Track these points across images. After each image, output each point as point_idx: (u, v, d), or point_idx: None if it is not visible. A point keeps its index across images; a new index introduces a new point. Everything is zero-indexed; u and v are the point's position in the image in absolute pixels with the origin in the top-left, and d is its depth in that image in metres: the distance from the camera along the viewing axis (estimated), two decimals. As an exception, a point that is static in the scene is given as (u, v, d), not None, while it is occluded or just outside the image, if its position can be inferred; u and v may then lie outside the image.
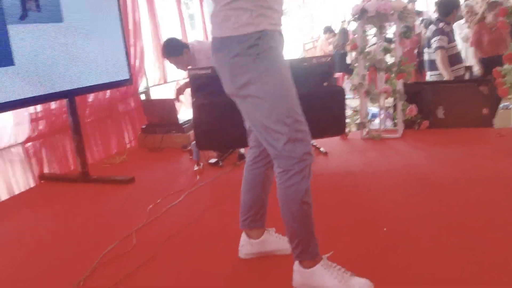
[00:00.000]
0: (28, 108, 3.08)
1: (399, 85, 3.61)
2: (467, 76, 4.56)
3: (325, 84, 3.18)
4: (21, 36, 2.55)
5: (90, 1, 3.05)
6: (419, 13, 11.76)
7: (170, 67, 5.01)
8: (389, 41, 5.12)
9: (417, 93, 3.82)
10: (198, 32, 5.66)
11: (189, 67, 3.64)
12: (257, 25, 1.45)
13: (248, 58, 1.46)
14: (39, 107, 3.24)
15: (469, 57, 5.13)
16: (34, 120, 3.21)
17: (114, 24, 3.30)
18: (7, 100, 2.52)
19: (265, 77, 1.46)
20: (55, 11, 2.75)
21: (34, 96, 2.69)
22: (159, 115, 4.15)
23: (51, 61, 2.77)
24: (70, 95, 3.02)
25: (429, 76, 4.29)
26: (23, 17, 2.55)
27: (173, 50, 3.52)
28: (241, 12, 1.45)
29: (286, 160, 1.49)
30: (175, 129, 4.07)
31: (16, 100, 2.58)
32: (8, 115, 2.97)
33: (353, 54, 3.74)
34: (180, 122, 4.12)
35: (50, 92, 2.80)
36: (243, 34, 1.45)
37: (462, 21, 5.30)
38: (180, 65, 3.61)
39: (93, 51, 3.11)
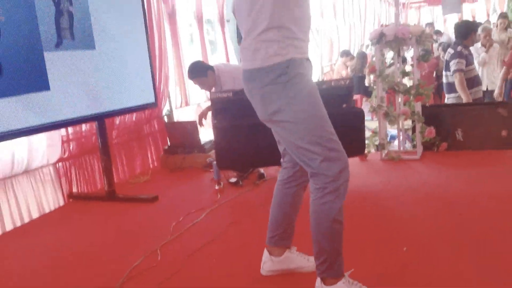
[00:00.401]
0: (60, 130, 3.23)
1: (418, 107, 3.66)
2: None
3: (344, 106, 3.27)
4: (56, 62, 2.72)
5: (121, 30, 3.22)
6: (438, 33, 11.85)
7: (192, 90, 5.20)
8: (405, 60, 5.19)
9: (435, 115, 3.86)
10: (219, 56, 5.82)
11: (213, 88, 3.80)
12: (285, 54, 1.56)
13: (278, 86, 1.57)
14: (70, 129, 3.40)
15: (485, 80, 5.17)
16: (65, 141, 3.36)
17: (142, 51, 3.47)
18: (42, 123, 2.66)
19: (295, 102, 1.57)
20: (88, 39, 2.93)
21: (66, 120, 2.84)
22: (182, 136, 4.28)
23: (84, 85, 2.93)
24: (99, 118, 3.17)
25: (448, 98, 4.33)
26: (58, 45, 2.72)
27: (198, 72, 3.70)
28: (269, 44, 1.56)
29: (322, 178, 1.56)
30: (196, 149, 4.19)
31: (50, 123, 2.73)
32: (42, 137, 3.13)
33: (372, 76, 3.82)
34: (202, 143, 4.24)
35: (82, 115, 2.94)
36: (272, 64, 1.56)
37: (479, 44, 5.33)
38: (205, 86, 3.78)
39: (122, 76, 3.27)
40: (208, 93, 5.33)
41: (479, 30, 5.41)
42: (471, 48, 4.35)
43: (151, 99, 3.68)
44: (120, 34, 3.23)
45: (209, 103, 5.17)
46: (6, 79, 2.43)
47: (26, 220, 3.04)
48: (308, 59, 1.67)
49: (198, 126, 4.08)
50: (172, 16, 4.57)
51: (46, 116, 2.69)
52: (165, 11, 4.45)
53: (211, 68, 3.73)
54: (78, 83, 2.88)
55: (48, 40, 2.65)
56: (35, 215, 3.12)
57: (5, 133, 2.47)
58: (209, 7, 5.45)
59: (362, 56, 7.07)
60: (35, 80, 2.60)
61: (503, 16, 7.35)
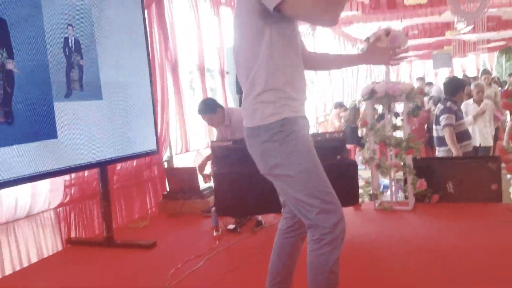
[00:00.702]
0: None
1: (409, 160, 3.80)
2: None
3: (338, 157, 3.41)
4: (65, 112, 2.86)
5: (127, 81, 3.39)
6: (430, 84, 12.29)
7: (192, 136, 5.36)
8: (397, 115, 5.38)
9: (427, 168, 3.99)
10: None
11: (220, 126, 4.05)
12: (280, 114, 1.70)
13: (275, 143, 1.70)
14: (73, 174, 3.49)
15: (477, 136, 5.32)
16: (67, 186, 3.45)
17: (146, 100, 3.63)
18: (47, 169, 2.76)
19: (292, 158, 1.69)
20: (96, 91, 3.09)
21: (71, 166, 2.94)
22: (181, 182, 4.37)
23: (89, 134, 3.06)
24: (102, 164, 3.28)
25: (438, 151, 4.49)
26: (67, 95, 2.87)
27: (208, 108, 3.95)
28: (266, 104, 1.71)
29: (319, 229, 1.66)
30: (195, 195, 4.27)
31: (55, 170, 2.82)
32: (45, 181, 3.22)
33: (364, 130, 3.99)
34: (201, 189, 4.33)
35: (86, 162, 3.05)
36: (269, 123, 1.70)
37: (471, 101, 5.52)
38: (213, 122, 4.02)
39: (126, 124, 3.41)
40: (208, 139, 5.52)
41: (472, 86, 5.65)
42: (463, 104, 4.55)
43: (152, 146, 3.80)
44: (126, 85, 3.40)
45: (208, 151, 5.34)
46: (16, 128, 2.55)
47: (25, 264, 3.07)
48: (304, 117, 1.81)
49: (199, 174, 4.21)
50: (174, 68, 4.79)
51: (52, 163, 2.79)
52: (168, 63, 4.67)
53: (220, 106, 4.02)
54: (84, 131, 3.01)
55: (59, 91, 2.80)
56: (34, 259, 3.15)
57: (12, 179, 2.55)
58: (210, 59, 5.70)
59: (355, 108, 7.32)
60: (44, 128, 2.73)
61: (485, 72, 7.69)
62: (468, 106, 5.44)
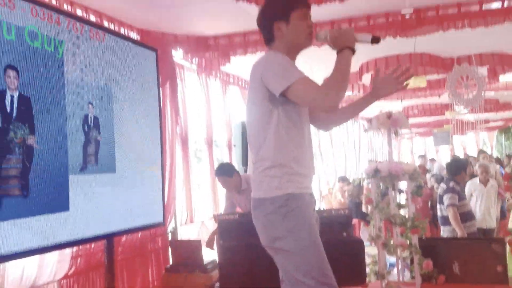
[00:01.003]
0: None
1: (414, 239, 3.81)
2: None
3: (344, 234, 3.44)
4: (78, 185, 2.95)
5: (138, 154, 3.53)
6: (432, 160, 12.46)
7: (198, 207, 5.40)
8: (401, 192, 5.43)
9: (432, 248, 3.98)
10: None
11: (229, 199, 4.15)
12: (286, 188, 1.79)
13: (278, 216, 1.77)
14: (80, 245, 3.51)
15: (485, 218, 5.19)
16: (74, 257, 3.45)
17: (156, 174, 3.74)
18: (56, 242, 2.79)
19: (293, 233, 1.75)
20: (110, 164, 3.21)
21: (80, 239, 2.98)
22: (185, 254, 4.35)
23: (100, 206, 3.12)
24: (110, 236, 3.31)
25: (443, 231, 4.50)
26: (83, 169, 2.98)
27: (226, 171, 4.08)
28: (272, 179, 1.81)
29: None
30: (198, 268, 4.23)
31: (64, 242, 2.86)
32: (53, 252, 3.23)
33: (369, 207, 4.03)
34: (205, 262, 4.29)
35: (94, 234, 3.09)
36: (273, 196, 1.79)
37: (476, 180, 5.45)
38: (228, 185, 4.11)
39: (135, 197, 3.48)
40: (213, 211, 5.56)
41: (476, 166, 5.66)
42: (468, 183, 4.60)
43: (159, 218, 3.86)
44: (138, 158, 3.53)
45: (213, 222, 5.35)
46: (31, 201, 2.61)
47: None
48: (310, 194, 1.89)
49: (208, 248, 4.22)
50: (184, 141, 4.96)
51: (62, 235, 2.82)
52: (179, 137, 4.85)
53: (237, 172, 4.15)
54: (95, 203, 3.08)
55: (74, 165, 2.92)
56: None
57: (21, 252, 2.56)
58: (218, 132, 5.92)
59: (359, 183, 7.39)
60: (57, 201, 2.80)
61: (482, 152, 7.83)
62: (474, 186, 5.32)
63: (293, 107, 1.84)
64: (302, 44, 1.92)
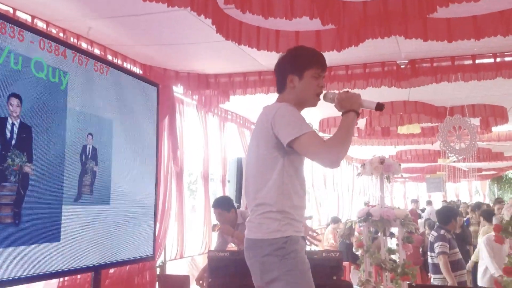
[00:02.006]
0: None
1: (404, 286, 3.80)
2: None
3: (334, 278, 3.42)
4: (71, 216, 2.94)
5: (133, 187, 3.55)
6: (429, 203, 12.47)
7: (189, 242, 5.35)
8: (393, 235, 5.42)
9: (422, 295, 3.96)
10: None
11: (221, 237, 4.08)
12: (284, 231, 1.85)
13: (276, 258, 1.81)
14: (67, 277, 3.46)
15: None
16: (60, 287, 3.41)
17: (148, 208, 3.76)
18: (43, 271, 2.75)
19: (289, 276, 1.79)
20: (105, 195, 3.23)
21: (67, 269, 2.94)
22: (172, 291, 4.29)
23: (90, 237, 3.11)
24: (98, 268, 3.28)
25: (434, 279, 4.47)
26: (77, 199, 2.99)
27: (224, 205, 4.03)
28: (272, 221, 1.86)
29: None
30: (185, 307, 4.15)
31: (51, 272, 2.82)
32: (40, 283, 3.19)
33: (360, 251, 4.04)
34: (192, 300, 4.23)
35: (82, 265, 3.06)
36: (273, 238, 1.84)
37: (492, 236, 4.41)
38: (223, 219, 4.02)
39: (127, 229, 3.48)
40: (203, 245, 5.52)
41: (493, 221, 5.40)
42: (485, 236, 4.42)
43: (149, 251, 3.83)
44: (133, 191, 3.55)
45: (203, 258, 5.30)
46: (23, 229, 2.60)
47: None
48: (303, 237, 1.95)
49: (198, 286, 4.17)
50: (179, 175, 4.98)
51: (49, 265, 2.79)
52: (174, 171, 4.87)
53: (235, 208, 4.10)
54: (86, 235, 3.07)
55: (69, 195, 2.93)
56: None
57: (8, 279, 2.52)
58: (213, 167, 5.97)
59: (351, 225, 7.36)
60: (49, 231, 2.78)
61: (498, 200, 7.71)
62: (490, 242, 4.47)
63: (298, 157, 1.94)
64: (309, 101, 2.04)
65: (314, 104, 2.05)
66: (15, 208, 2.57)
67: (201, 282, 4.10)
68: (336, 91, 2.06)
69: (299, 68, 1.99)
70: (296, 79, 1.99)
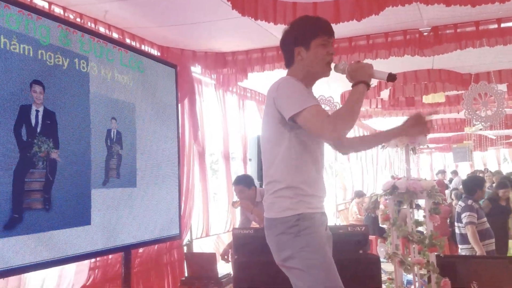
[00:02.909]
0: (90, 257, 3.41)
1: (432, 257, 3.76)
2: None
3: (360, 252, 3.42)
4: (100, 199, 3.01)
5: (157, 168, 3.60)
6: (455, 173, 12.28)
7: (213, 221, 5.43)
8: (419, 207, 5.36)
9: (450, 266, 3.92)
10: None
11: (248, 203, 4.10)
12: (296, 209, 1.83)
13: (289, 236, 1.81)
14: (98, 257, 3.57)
15: None
16: (92, 268, 3.51)
17: (173, 188, 3.81)
18: (75, 253, 2.84)
19: (304, 253, 1.78)
20: (131, 179, 3.28)
21: (98, 250, 3.03)
22: (200, 267, 4.37)
23: (119, 219, 3.18)
24: (128, 249, 3.36)
25: (461, 249, 4.43)
26: (104, 183, 3.05)
27: (245, 182, 4.10)
28: (283, 199, 1.85)
29: None
30: (213, 282, 4.24)
31: (83, 253, 2.91)
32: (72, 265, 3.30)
33: (386, 224, 4.00)
34: (219, 275, 4.31)
35: (113, 246, 3.14)
36: (284, 217, 1.83)
37: None
38: (243, 196, 4.08)
39: (154, 210, 3.54)
40: (229, 225, 5.59)
41: None
42: None
43: (175, 231, 3.90)
44: (157, 173, 3.59)
45: (228, 235, 5.37)
46: (53, 214, 2.68)
47: None
48: (322, 213, 1.92)
49: (222, 260, 4.24)
50: (201, 155, 5.02)
51: (81, 247, 2.88)
52: (196, 151, 4.91)
53: (255, 185, 4.17)
54: (115, 217, 3.14)
55: (97, 179, 2.99)
56: None
57: (41, 262, 2.61)
58: (234, 146, 5.98)
59: (376, 199, 7.30)
60: (80, 215, 2.86)
61: None
62: None
63: (305, 131, 1.87)
64: (320, 71, 1.96)
65: (326, 74, 1.96)
66: (44, 194, 2.63)
67: (226, 257, 4.18)
68: (347, 63, 1.97)
69: (305, 39, 1.90)
70: (303, 51, 1.91)
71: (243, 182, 4.11)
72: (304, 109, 1.75)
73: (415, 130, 2.01)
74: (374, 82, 6.03)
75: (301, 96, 1.81)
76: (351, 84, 1.90)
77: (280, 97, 1.82)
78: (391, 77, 1.88)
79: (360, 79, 1.85)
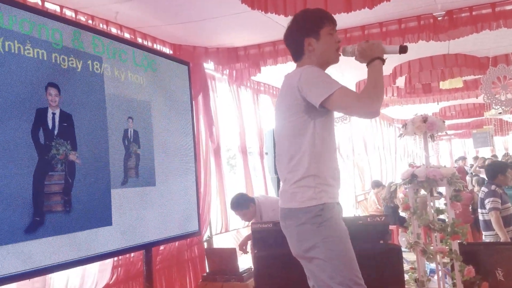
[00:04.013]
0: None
1: (455, 245, 3.71)
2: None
3: (381, 242, 3.39)
4: (120, 199, 3.04)
5: (175, 167, 3.62)
6: (476, 158, 12.04)
7: (232, 216, 5.45)
8: (441, 194, 5.29)
9: (474, 253, 3.86)
10: (258, 184, 6.17)
11: (253, 220, 4.04)
12: (320, 199, 1.82)
13: (313, 226, 1.79)
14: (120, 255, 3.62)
15: None
16: (115, 267, 3.56)
17: (190, 184, 3.82)
18: (97, 253, 2.87)
19: (327, 242, 1.77)
20: (150, 177, 3.30)
21: (120, 249, 3.06)
22: (221, 263, 4.39)
23: (140, 218, 3.21)
24: (149, 246, 3.39)
25: (485, 236, 4.35)
26: (124, 183, 3.08)
27: (241, 205, 4.01)
28: (306, 189, 1.83)
29: None
30: (234, 277, 4.26)
31: (105, 253, 2.94)
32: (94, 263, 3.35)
33: (407, 213, 3.96)
34: (240, 270, 4.32)
35: (134, 244, 3.17)
36: (308, 206, 1.82)
37: None
38: (246, 217, 4.07)
39: (173, 207, 3.57)
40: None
41: None
42: None
43: (195, 227, 3.92)
44: (174, 171, 3.61)
45: (247, 230, 5.38)
46: (74, 216, 2.70)
47: None
48: (338, 203, 1.92)
49: (240, 253, 4.24)
50: (217, 151, 5.03)
51: (103, 246, 2.92)
52: (212, 147, 4.92)
53: (252, 201, 4.05)
54: (135, 216, 3.17)
55: (116, 179, 3.01)
56: None
57: (64, 263, 2.64)
58: (250, 140, 5.98)
59: (389, 186, 7.20)
60: (101, 216, 2.88)
61: None
62: None
63: (329, 118, 1.90)
64: (331, 59, 1.99)
65: (336, 60, 2.01)
66: (64, 196, 2.66)
67: (244, 247, 4.19)
68: (355, 45, 1.99)
69: (314, 29, 1.94)
70: (314, 41, 1.94)
71: (241, 206, 4.02)
72: (334, 92, 1.77)
73: (374, 48, 1.92)
74: (388, 70, 5.99)
75: (327, 80, 1.82)
76: (364, 64, 1.91)
77: (306, 85, 1.83)
78: (403, 49, 1.89)
79: (373, 56, 1.87)
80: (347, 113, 1.95)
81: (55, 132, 2.65)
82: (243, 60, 4.81)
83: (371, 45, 1.90)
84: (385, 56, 1.90)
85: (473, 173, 8.48)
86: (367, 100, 1.75)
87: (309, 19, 1.98)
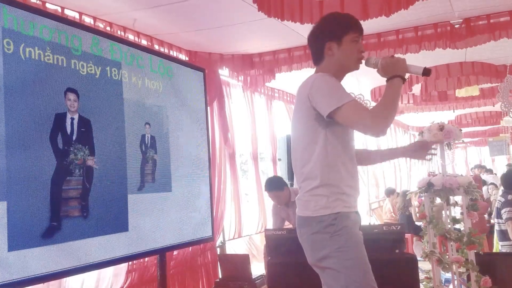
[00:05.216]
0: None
1: (471, 255, 3.65)
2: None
3: (396, 251, 3.35)
4: (136, 204, 3.05)
5: (190, 173, 3.64)
6: (489, 171, 11.82)
7: (246, 221, 5.45)
8: (457, 204, 5.21)
9: (490, 263, 3.80)
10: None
11: (277, 214, 4.12)
12: (333, 208, 1.79)
13: (326, 235, 1.77)
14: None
15: None
16: (129, 271, 3.59)
17: (205, 190, 3.84)
18: (112, 257, 2.88)
19: (340, 253, 1.75)
20: (167, 183, 3.32)
21: (135, 254, 3.08)
22: (234, 269, 4.39)
23: (155, 223, 3.23)
24: (163, 251, 3.41)
25: (502, 246, 4.28)
26: (140, 188, 3.10)
27: (276, 186, 4.03)
28: (319, 197, 1.81)
29: None
30: (247, 284, 4.24)
31: (120, 257, 2.95)
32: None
33: (423, 222, 3.91)
34: (253, 277, 4.31)
35: (148, 249, 3.19)
36: (321, 215, 1.79)
37: None
38: (280, 199, 4.07)
39: (187, 213, 3.58)
40: (260, 224, 5.59)
41: None
42: None
43: (208, 233, 3.93)
44: (189, 176, 3.63)
45: (260, 236, 5.38)
46: (91, 221, 2.71)
47: None
48: (356, 212, 1.88)
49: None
50: (232, 156, 5.05)
51: (118, 251, 2.93)
52: (227, 152, 4.94)
53: (286, 185, 4.11)
54: (150, 221, 3.18)
55: (133, 184, 3.03)
56: None
57: (79, 267, 2.65)
58: (263, 146, 5.99)
59: (404, 195, 7.12)
60: (117, 222, 2.90)
61: None
62: None
63: (341, 128, 1.85)
64: (350, 67, 1.94)
65: (355, 68, 1.95)
66: (82, 201, 2.68)
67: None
68: (379, 58, 1.94)
69: (338, 34, 1.88)
70: (335, 46, 1.88)
71: (275, 186, 4.04)
72: (343, 104, 1.73)
73: (415, 155, 2.24)
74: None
75: (338, 91, 1.78)
76: (384, 79, 1.87)
77: (316, 94, 1.80)
78: (426, 72, 1.85)
79: (395, 73, 1.82)
80: (354, 128, 1.85)
81: (74, 137, 2.68)
82: (258, 66, 4.83)
83: (396, 61, 1.85)
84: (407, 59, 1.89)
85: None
86: (376, 119, 1.71)
87: (334, 23, 1.93)
